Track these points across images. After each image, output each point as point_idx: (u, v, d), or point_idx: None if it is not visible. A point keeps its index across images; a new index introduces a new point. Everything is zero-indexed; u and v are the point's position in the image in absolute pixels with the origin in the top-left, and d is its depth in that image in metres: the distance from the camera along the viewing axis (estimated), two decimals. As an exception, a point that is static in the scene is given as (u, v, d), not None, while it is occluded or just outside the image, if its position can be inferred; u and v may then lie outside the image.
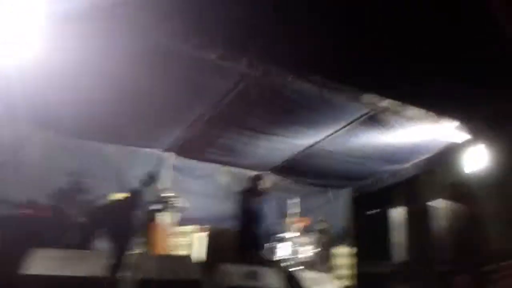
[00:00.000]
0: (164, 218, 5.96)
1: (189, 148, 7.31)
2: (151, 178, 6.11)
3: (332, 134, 6.72)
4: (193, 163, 7.71)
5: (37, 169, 6.16)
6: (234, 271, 4.41)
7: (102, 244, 5.55)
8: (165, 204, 6.13)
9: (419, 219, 6.58)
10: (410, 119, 6.15)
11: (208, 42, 4.60)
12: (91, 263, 4.06)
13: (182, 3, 4.25)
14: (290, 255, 6.04)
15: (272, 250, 5.95)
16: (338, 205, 9.05)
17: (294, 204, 6.63)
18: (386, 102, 5.86)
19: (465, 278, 5.70)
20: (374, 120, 6.22)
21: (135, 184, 6.30)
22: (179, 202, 6.33)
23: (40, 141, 6.35)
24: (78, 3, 3.89)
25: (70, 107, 5.60)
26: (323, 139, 6.92)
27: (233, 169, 8.09)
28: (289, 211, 6.62)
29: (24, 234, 5.04)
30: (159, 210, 5.99)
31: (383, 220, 6.94)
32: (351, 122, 6.33)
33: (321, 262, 6.91)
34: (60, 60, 4.54)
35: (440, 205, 6.58)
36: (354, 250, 7.79)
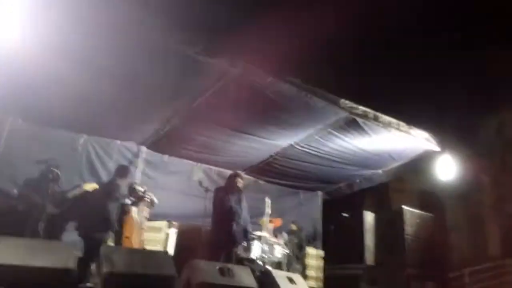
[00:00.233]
0: (137, 212, 5.83)
1: (165, 143, 7.20)
2: (124, 171, 5.97)
3: (308, 136, 6.80)
4: (168, 158, 7.60)
5: (4, 156, 5.92)
6: (207, 267, 4.37)
7: (73, 235, 5.38)
8: (138, 198, 6.00)
9: (388, 224, 6.76)
10: (385, 126, 6.31)
11: (190, 37, 4.57)
12: (60, 254, 3.91)
13: (166, -2, 4.23)
14: (262, 254, 6.05)
15: (245, 249, 5.93)
16: (309, 207, 9.14)
17: (267, 205, 6.65)
18: (361, 109, 6.00)
19: (431, 283, 5.89)
20: (349, 125, 6.35)
21: (108, 176, 6.15)
22: (152, 197, 6.22)
23: (9, 127, 6.10)
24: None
25: (43, 95, 5.43)
26: (300, 141, 6.99)
27: (208, 166, 8.03)
28: (262, 211, 6.63)
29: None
30: (131, 204, 5.86)
31: (353, 223, 7.09)
32: (328, 126, 6.43)
33: (292, 263, 6.98)
34: (38, 47, 4.43)
35: (409, 212, 6.78)
36: (324, 252, 7.91)
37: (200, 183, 6.46)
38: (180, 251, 6.38)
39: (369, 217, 7.07)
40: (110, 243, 5.37)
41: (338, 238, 7.47)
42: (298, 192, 9.16)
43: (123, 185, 5.74)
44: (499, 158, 8.07)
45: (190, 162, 7.86)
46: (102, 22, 4.14)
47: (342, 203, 8.76)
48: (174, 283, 4.18)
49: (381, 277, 6.24)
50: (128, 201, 5.85)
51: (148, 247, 6.10)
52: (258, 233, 6.30)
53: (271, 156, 7.67)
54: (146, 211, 6.05)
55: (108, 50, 4.60)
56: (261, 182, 8.57)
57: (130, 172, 6.14)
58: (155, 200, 6.27)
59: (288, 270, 6.35)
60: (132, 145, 7.26)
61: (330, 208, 9.03)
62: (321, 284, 7.56)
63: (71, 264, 3.87)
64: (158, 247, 6.39)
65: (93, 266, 4.54)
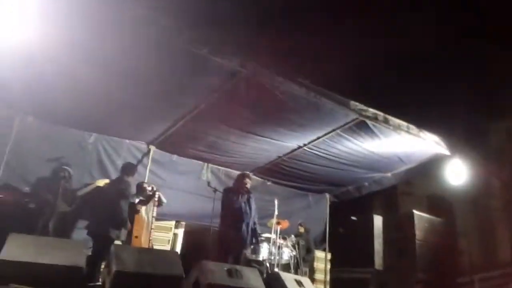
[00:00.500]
0: (146, 211, 5.85)
1: (174, 143, 7.20)
2: (131, 169, 6.00)
3: (318, 138, 6.76)
4: (177, 158, 7.59)
5: (15, 154, 5.96)
6: (215, 268, 4.37)
7: (83, 233, 5.40)
8: (146, 197, 6.02)
9: (397, 228, 6.71)
10: (395, 129, 6.26)
11: (199, 37, 4.55)
12: (70, 252, 3.94)
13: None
14: (270, 256, 6.03)
15: (253, 250, 5.92)
16: (318, 209, 9.08)
17: (275, 206, 6.64)
18: (371, 111, 5.95)
19: (440, 288, 5.85)
20: (359, 127, 6.29)
21: (117, 175, 6.17)
22: (160, 196, 6.24)
23: (19, 125, 6.14)
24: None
25: (53, 93, 5.45)
26: (309, 142, 6.95)
27: (217, 167, 8.03)
28: (270, 213, 6.61)
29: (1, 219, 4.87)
30: (140, 203, 5.87)
31: (361, 227, 7.04)
32: (337, 128, 6.38)
33: (300, 265, 6.95)
34: (49, 46, 4.42)
35: (418, 216, 6.73)
36: (331, 255, 7.86)
37: (209, 183, 6.46)
38: (188, 251, 6.40)
39: (378, 221, 7.02)
40: (119, 241, 5.38)
41: (346, 241, 7.42)
42: (307, 194, 9.10)
43: (132, 184, 5.77)
44: (510, 162, 7.99)
45: (199, 162, 7.85)
46: (113, 21, 4.15)
47: (350, 206, 8.70)
48: (182, 283, 4.18)
49: (390, 281, 6.20)
50: (137, 200, 5.88)
51: (156, 246, 6.12)
52: (266, 234, 6.28)
53: (280, 157, 7.64)
54: (154, 210, 6.07)
55: (118, 49, 4.60)
56: (269, 183, 8.55)
57: (136, 170, 6.16)
58: (164, 199, 6.28)
59: (296, 273, 6.33)
60: (142, 145, 7.27)
61: (338, 211, 8.98)
62: (328, 287, 7.52)
63: (81, 262, 3.90)
64: (166, 247, 6.41)
65: (102, 265, 4.55)
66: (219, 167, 8.07)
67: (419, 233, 6.52)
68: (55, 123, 6.39)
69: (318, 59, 5.21)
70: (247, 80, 5.15)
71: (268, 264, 5.93)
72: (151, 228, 5.88)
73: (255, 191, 6.45)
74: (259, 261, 5.88)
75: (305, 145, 7.05)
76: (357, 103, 5.82)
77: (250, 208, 5.77)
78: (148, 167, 7.18)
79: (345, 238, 7.54)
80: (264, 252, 6.00)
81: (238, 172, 6.59)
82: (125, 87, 5.43)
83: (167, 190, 6.71)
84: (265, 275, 5.03)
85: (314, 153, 7.27)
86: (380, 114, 6.06)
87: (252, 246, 5.90)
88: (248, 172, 6.28)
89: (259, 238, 6.04)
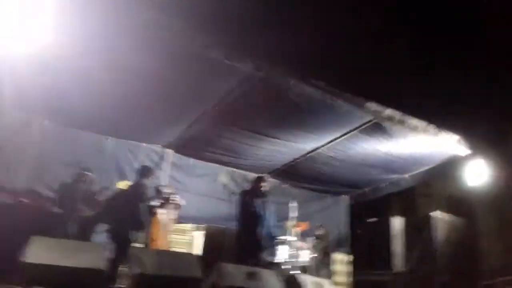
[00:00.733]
0: (165, 214, 5.90)
1: (190, 146, 7.27)
2: (147, 171, 6.07)
3: (334, 140, 6.73)
4: (193, 161, 7.66)
5: (35, 158, 6.08)
6: (234, 271, 4.37)
7: (103, 236, 5.49)
8: (164, 200, 6.07)
9: (417, 229, 6.61)
10: (412, 130, 6.19)
11: (214, 41, 4.59)
12: (91, 254, 3.99)
13: (190, 2, 4.26)
14: (289, 258, 6.01)
15: (272, 252, 5.91)
16: (336, 211, 9.05)
17: (293, 208, 6.62)
18: (388, 112, 5.89)
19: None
20: (376, 128, 6.24)
21: (135, 178, 6.24)
22: (178, 199, 6.29)
23: (40, 129, 6.27)
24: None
25: (71, 97, 5.53)
26: (325, 144, 6.93)
27: (233, 169, 8.06)
28: (288, 215, 6.60)
29: (23, 222, 4.97)
30: (159, 206, 5.94)
31: (381, 229, 6.95)
32: (353, 129, 6.36)
33: (319, 268, 6.90)
34: (67, 50, 4.51)
35: (438, 217, 6.61)
36: (351, 257, 7.78)
37: (225, 186, 6.49)
38: (206, 253, 6.43)
39: (397, 223, 6.93)
40: (138, 244, 5.44)
41: (365, 243, 7.34)
42: (324, 196, 9.07)
43: (150, 187, 5.84)
44: (532, 162, 7.79)
45: (216, 165, 7.90)
46: (129, 26, 4.20)
47: (368, 208, 8.62)
48: (200, 286, 4.21)
49: (411, 284, 6.10)
50: (155, 203, 5.94)
51: (174, 249, 6.17)
52: (284, 237, 6.26)
53: (296, 159, 7.64)
54: (173, 213, 6.12)
55: (134, 54, 4.66)
56: (286, 185, 8.54)
57: (153, 173, 6.23)
58: (181, 202, 6.33)
59: (315, 275, 6.28)
60: (158, 148, 7.36)
61: (357, 212, 8.90)
62: (349, 290, 7.45)
63: (101, 264, 3.95)
64: (184, 249, 6.45)
65: (122, 267, 4.61)
66: (236, 170, 8.10)
67: (439, 234, 6.41)
68: (73, 127, 6.54)
69: (331, 58, 5.17)
70: (261, 83, 5.17)
71: (287, 267, 5.91)
72: (170, 231, 5.93)
73: (272, 194, 6.45)
74: (278, 263, 5.87)
75: (321, 147, 7.02)
76: (373, 104, 5.78)
77: (267, 211, 5.76)
78: (165, 170, 7.26)
79: (364, 240, 7.45)
80: (282, 254, 5.98)
81: (254, 175, 6.60)
82: (140, 91, 5.50)
83: (184, 193, 6.77)
84: (283, 278, 5.01)
85: (331, 155, 7.24)
86: (397, 114, 5.99)
87: (270, 249, 5.89)
88: (264, 175, 6.29)
89: (277, 241, 6.02)
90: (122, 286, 4.43)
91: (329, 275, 7.08)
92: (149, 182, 6.01)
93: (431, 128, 6.19)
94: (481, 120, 6.98)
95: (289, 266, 5.97)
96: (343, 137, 6.61)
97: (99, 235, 5.67)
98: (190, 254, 5.22)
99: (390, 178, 8.23)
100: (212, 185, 7.66)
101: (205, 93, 5.58)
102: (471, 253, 6.38)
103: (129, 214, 5.41)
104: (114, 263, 4.49)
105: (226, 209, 6.97)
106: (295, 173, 8.15)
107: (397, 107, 5.95)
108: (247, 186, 6.80)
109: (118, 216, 5.45)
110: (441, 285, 5.88)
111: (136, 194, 5.62)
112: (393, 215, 7.21)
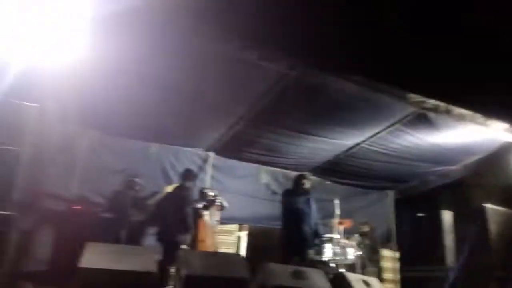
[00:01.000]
0: (210, 216, 6.03)
1: (230, 148, 7.35)
2: (190, 175, 6.22)
3: (375, 134, 6.60)
4: (234, 162, 7.74)
5: (86, 168, 6.39)
6: (280, 270, 4.39)
7: (152, 240, 5.70)
8: (209, 202, 6.20)
9: (469, 223, 6.35)
10: (459, 119, 5.94)
11: (248, 43, 4.62)
12: (142, 258, 4.14)
13: (223, 5, 4.31)
14: (334, 256, 5.95)
15: (318, 251, 5.88)
16: (381, 207, 8.83)
17: (336, 205, 6.54)
18: (431, 102, 5.69)
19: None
20: (420, 120, 6.05)
21: (179, 182, 6.41)
22: (222, 201, 6.40)
23: (88, 140, 6.57)
24: (122, 6, 4.02)
25: (116, 109, 5.77)
26: (366, 139, 6.81)
27: (274, 169, 8.07)
28: (331, 212, 6.53)
29: (77, 229, 5.26)
30: (203, 208, 6.07)
31: (430, 223, 6.74)
32: (395, 122, 6.20)
33: (366, 265, 6.78)
34: (108, 62, 4.69)
35: (491, 209, 6.32)
36: (399, 253, 7.59)
37: (267, 186, 6.51)
38: (252, 253, 6.50)
39: (447, 216, 6.69)
40: (186, 246, 5.59)
41: (414, 239, 7.14)
42: (368, 192, 8.88)
43: (194, 190, 5.99)
44: None
45: (256, 165, 7.94)
46: (166, 34, 4.32)
47: (416, 202, 8.36)
48: (248, 286, 4.25)
49: (464, 279, 5.87)
50: (200, 205, 6.08)
51: (221, 249, 6.28)
52: (329, 235, 6.21)
53: (337, 156, 7.53)
54: (217, 215, 6.23)
55: (172, 64, 4.80)
56: (328, 182, 8.45)
57: (196, 176, 6.37)
58: (225, 204, 6.44)
59: (362, 273, 6.18)
60: (201, 152, 7.51)
61: (403, 207, 8.66)
62: (398, 287, 7.27)
63: (152, 267, 4.09)
64: (231, 250, 6.55)
65: (171, 269, 4.75)
66: (277, 169, 8.09)
67: (493, 227, 6.12)
68: (119, 136, 6.78)
69: (368, 52, 5.05)
70: (297, 81, 5.15)
71: (333, 265, 5.85)
72: (215, 232, 6.05)
73: (315, 191, 6.41)
74: (324, 261, 5.82)
75: (363, 142, 6.90)
76: (415, 95, 5.59)
77: (310, 209, 5.74)
78: (208, 173, 7.40)
79: (413, 235, 7.25)
80: (328, 252, 5.93)
81: (296, 173, 6.58)
82: (180, 99, 5.64)
83: (227, 194, 6.87)
84: (330, 276, 4.97)
85: (373, 150, 7.10)
86: (442, 105, 5.77)
87: (315, 247, 5.85)
88: (305, 173, 6.25)
89: (322, 239, 5.98)
90: (172, 287, 4.56)
91: (376, 272, 6.94)
92: (193, 185, 6.15)
93: (478, 117, 5.92)
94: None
95: (335, 264, 5.90)
96: (385, 131, 6.46)
97: (148, 238, 5.89)
98: (236, 255, 5.30)
99: (438, 170, 7.92)
100: (253, 185, 7.73)
101: (242, 95, 5.63)
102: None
103: (176, 217, 5.56)
104: (164, 265, 4.64)
105: (269, 209, 7.00)
106: (337, 170, 8.05)
107: (440, 97, 5.74)
108: (289, 185, 6.80)
109: (166, 220, 5.63)
110: (497, 280, 5.62)
111: (181, 198, 5.77)
112: (442, 208, 6.96)
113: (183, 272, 4.04)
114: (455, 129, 6.21)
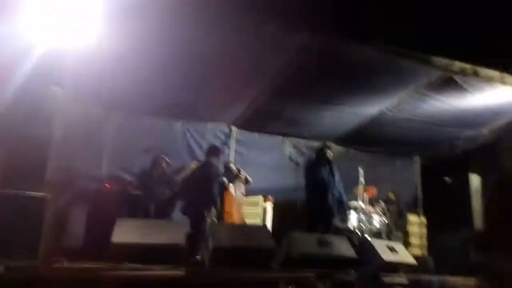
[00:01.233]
0: (235, 189, 6.15)
1: (253, 121, 7.38)
2: (215, 150, 6.33)
3: (399, 100, 6.45)
4: (257, 135, 7.79)
5: (115, 148, 6.59)
6: (305, 238, 4.48)
7: (180, 214, 5.89)
8: (233, 175, 6.31)
9: (499, 187, 6.20)
10: (487, 81, 5.72)
11: (267, 15, 4.55)
12: (170, 231, 4.33)
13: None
14: (360, 224, 6.00)
15: (342, 219, 5.94)
16: (407, 173, 8.72)
17: (360, 174, 6.52)
18: (457, 65, 5.48)
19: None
20: (445, 84, 5.86)
21: (204, 157, 6.53)
22: (246, 175, 6.51)
23: (114, 121, 6.75)
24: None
25: (139, 87, 5.86)
26: (390, 106, 6.66)
27: (297, 140, 8.07)
28: (356, 181, 6.53)
29: (109, 206, 5.49)
30: (229, 181, 6.19)
31: (458, 188, 6.63)
32: (420, 87, 6.03)
33: (392, 231, 6.80)
34: (127, 42, 4.71)
35: (520, 172, 6.14)
36: (426, 219, 7.55)
37: (291, 157, 6.54)
38: (278, 223, 6.62)
39: (475, 180, 6.55)
40: (213, 218, 5.75)
41: (441, 203, 7.04)
42: (393, 158, 8.78)
43: (218, 163, 6.11)
44: None
45: (279, 137, 7.96)
46: (189, 9, 4.30)
47: (443, 167, 8.18)
48: (274, 255, 4.38)
49: (492, 242, 5.79)
50: (225, 179, 6.21)
51: (247, 221, 6.43)
52: (353, 203, 6.24)
53: (361, 123, 7.41)
54: (242, 188, 6.35)
55: (194, 38, 4.78)
56: (352, 151, 8.40)
57: (220, 151, 6.47)
58: (250, 179, 6.54)
59: (388, 239, 6.21)
60: (224, 126, 7.58)
61: (430, 173, 8.51)
62: (425, 251, 7.27)
63: (180, 240, 4.26)
64: (257, 221, 6.69)
65: (199, 242, 4.92)
66: (300, 140, 8.09)
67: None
68: (144, 115, 6.92)
69: (388, 17, 4.89)
70: (319, 52, 5.06)
71: (358, 232, 5.91)
72: (241, 204, 6.19)
73: (339, 160, 6.39)
74: (349, 229, 5.88)
75: (386, 109, 6.77)
76: (440, 58, 5.40)
77: (333, 178, 5.76)
78: (232, 147, 7.49)
79: (440, 200, 7.15)
80: (353, 220, 5.98)
81: (319, 144, 6.57)
82: (202, 74, 5.65)
83: (252, 167, 6.95)
84: (355, 243, 5.03)
85: (398, 116, 6.96)
86: (469, 66, 5.56)
87: (340, 215, 5.91)
88: (328, 143, 6.24)
89: (347, 207, 6.02)
90: (200, 258, 4.74)
91: (404, 237, 6.95)
92: (217, 160, 6.26)
93: (507, 77, 5.68)
94: None
95: (361, 232, 5.95)
96: (409, 96, 6.30)
97: (176, 213, 6.09)
98: (262, 226, 5.41)
99: (466, 135, 7.70)
100: (277, 157, 7.78)
101: (264, 67, 5.59)
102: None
103: (203, 191, 5.71)
104: (192, 238, 4.81)
105: (293, 180, 7.05)
106: (362, 138, 7.93)
107: (466, 58, 5.53)
108: (312, 155, 6.80)
109: (193, 194, 5.79)
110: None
111: (207, 172, 5.91)
112: (472, 172, 6.82)
113: (211, 243, 4.20)
114: (483, 92, 5.99)
